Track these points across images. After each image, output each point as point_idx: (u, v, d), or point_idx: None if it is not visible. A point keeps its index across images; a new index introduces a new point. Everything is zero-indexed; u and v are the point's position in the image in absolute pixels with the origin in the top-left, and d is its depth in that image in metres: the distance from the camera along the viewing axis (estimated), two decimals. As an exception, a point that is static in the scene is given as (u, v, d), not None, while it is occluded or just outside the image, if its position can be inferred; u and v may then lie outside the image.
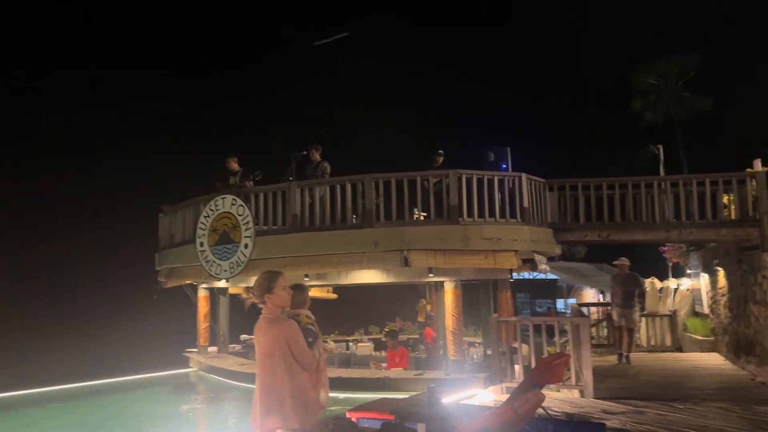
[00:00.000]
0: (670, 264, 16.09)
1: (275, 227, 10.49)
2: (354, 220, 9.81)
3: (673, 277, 15.39)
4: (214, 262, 10.71)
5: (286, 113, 26.22)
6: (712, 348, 11.72)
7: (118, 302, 17.74)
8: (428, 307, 13.94)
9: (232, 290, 12.42)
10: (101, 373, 11.81)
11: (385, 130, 27.49)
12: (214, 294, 12.81)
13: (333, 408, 7.97)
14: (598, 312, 13.97)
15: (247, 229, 10.33)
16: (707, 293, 12.44)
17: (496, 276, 10.78)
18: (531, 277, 22.48)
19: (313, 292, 11.10)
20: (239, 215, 10.45)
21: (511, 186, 9.98)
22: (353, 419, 6.09)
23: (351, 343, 14.22)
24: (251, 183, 11.30)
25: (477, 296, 12.49)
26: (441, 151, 11.18)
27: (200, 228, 10.97)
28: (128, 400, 10.88)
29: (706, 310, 12.44)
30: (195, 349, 12.81)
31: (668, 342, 12.98)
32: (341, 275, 10.44)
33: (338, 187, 9.81)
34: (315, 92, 28.02)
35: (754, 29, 27.21)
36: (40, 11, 24.12)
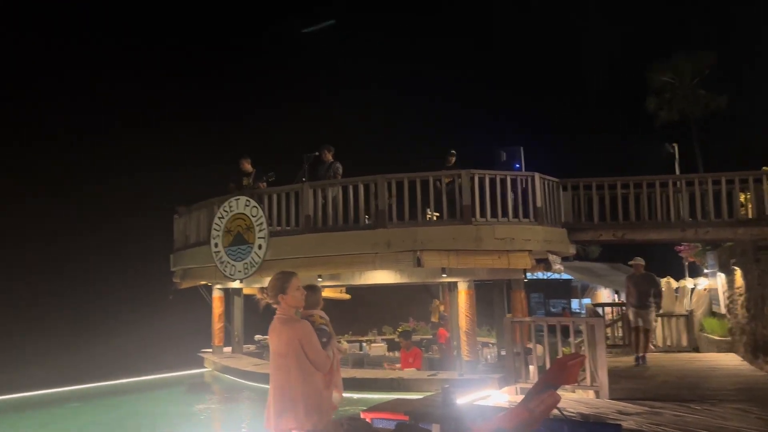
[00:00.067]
0: (686, 263, 15.95)
1: (288, 228, 10.52)
2: (367, 221, 9.82)
3: (689, 276, 15.24)
4: (228, 263, 10.76)
5: (286, 113, 26.29)
6: (729, 348, 11.59)
7: (134, 303, 17.89)
8: (441, 308, 13.93)
9: (246, 291, 12.48)
10: (118, 373, 11.92)
11: (386, 131, 27.51)
12: (229, 295, 12.89)
13: (346, 408, 7.99)
14: (612, 312, 13.86)
15: (260, 230, 10.38)
16: (724, 293, 12.30)
17: (509, 276, 10.73)
18: (545, 277, 22.41)
19: (327, 293, 11.16)
20: (253, 216, 10.50)
21: (524, 186, 9.94)
22: (367, 419, 6.09)
23: (364, 344, 14.23)
24: (265, 184, 11.34)
25: (490, 296, 12.45)
26: (453, 151, 11.17)
27: (214, 229, 11.03)
28: (144, 400, 10.98)
29: (723, 310, 12.31)
30: (210, 350, 12.89)
31: (684, 342, 12.86)
32: (354, 276, 10.45)
33: (351, 188, 9.83)
34: (317, 92, 28.07)
35: (769, 25, 26.87)
36: (50, 14, 24.38)
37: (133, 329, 16.40)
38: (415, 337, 12.93)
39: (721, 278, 12.44)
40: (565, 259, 12.03)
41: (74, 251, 19.64)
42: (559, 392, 5.26)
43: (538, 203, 9.93)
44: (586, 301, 26.11)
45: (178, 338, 14.83)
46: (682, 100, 25.23)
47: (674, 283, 13.83)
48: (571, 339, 8.32)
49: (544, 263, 10.29)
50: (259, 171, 11.67)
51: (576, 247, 11.58)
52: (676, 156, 17.56)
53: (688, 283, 14.19)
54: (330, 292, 13.30)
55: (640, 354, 10.52)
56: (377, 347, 13.27)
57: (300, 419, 3.77)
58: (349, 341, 14.44)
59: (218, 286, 12.74)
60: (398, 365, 10.92)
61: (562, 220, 10.67)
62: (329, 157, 11.12)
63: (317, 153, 11.11)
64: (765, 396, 7.53)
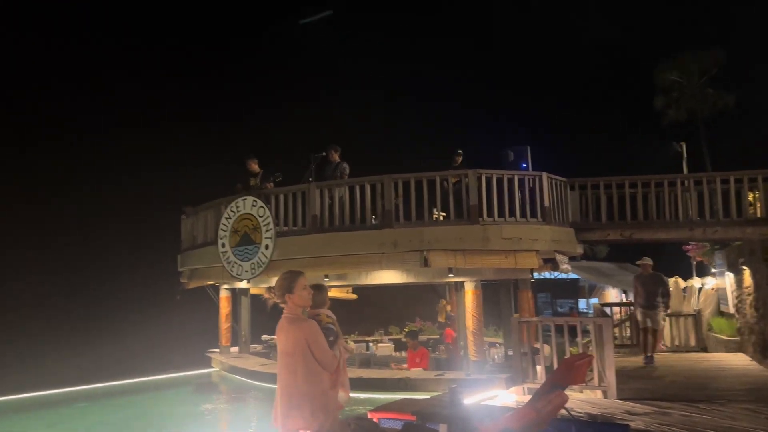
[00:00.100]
0: (695, 263, 15.86)
1: (295, 228, 10.54)
2: (373, 221, 9.82)
3: (697, 276, 15.16)
4: (235, 263, 10.79)
5: (286, 113, 26.36)
6: (738, 348, 11.52)
7: (141, 303, 17.97)
8: (448, 308, 13.90)
9: (253, 291, 12.51)
10: (125, 373, 11.98)
11: (386, 131, 27.52)
12: (236, 295, 12.92)
13: (353, 408, 8.00)
14: (620, 312, 13.81)
15: (267, 230, 10.40)
16: (732, 292, 12.22)
17: (516, 276, 10.71)
18: (552, 277, 22.32)
19: (333, 293, 11.15)
20: (260, 216, 10.52)
21: (531, 185, 9.91)
22: (375, 419, 6.09)
23: (371, 344, 14.24)
24: (272, 184, 11.36)
25: (497, 296, 12.43)
26: (460, 151, 11.16)
27: (222, 229, 11.06)
28: (152, 399, 11.02)
29: (732, 310, 12.23)
30: (217, 350, 12.92)
31: (693, 342, 12.79)
32: (361, 276, 10.45)
33: (357, 188, 9.83)
34: (317, 92, 28.09)
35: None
36: (51, 14, 24.50)
37: (141, 329, 16.47)
38: (422, 337, 12.91)
39: (729, 278, 12.37)
40: (572, 258, 11.99)
41: (82, 252, 19.77)
42: (567, 392, 5.25)
43: (546, 203, 9.90)
44: (594, 301, 26.01)
45: (186, 338, 14.89)
46: (690, 98, 25.12)
47: (682, 283, 13.76)
48: (579, 339, 8.28)
49: (552, 263, 10.26)
50: (266, 171, 11.69)
51: (583, 246, 11.55)
52: (684, 155, 17.47)
53: (696, 282, 14.11)
54: (336, 292, 13.31)
55: (649, 354, 10.48)
56: (384, 347, 13.27)
57: (306, 419, 3.78)
58: (355, 341, 14.45)
59: (225, 286, 12.77)
60: (405, 365, 10.91)
61: (569, 219, 10.63)
62: (336, 157, 11.13)
63: (324, 153, 11.12)
64: (774, 396, 7.48)
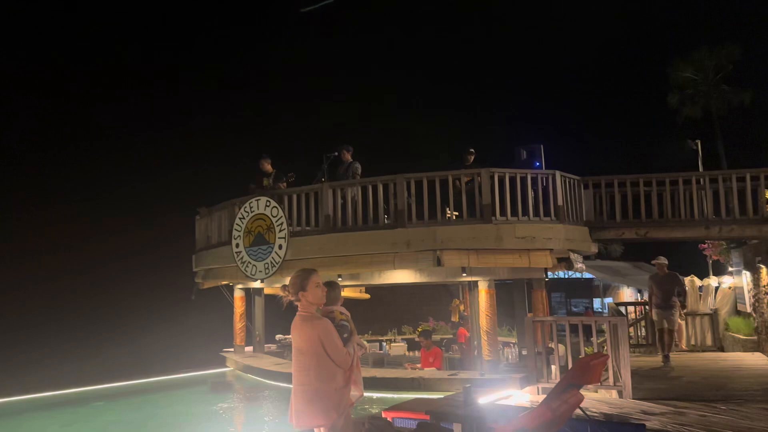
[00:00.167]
0: (711, 261, 15.71)
1: (308, 228, 10.57)
2: (386, 221, 9.82)
3: (713, 274, 15.01)
4: (249, 263, 10.85)
5: (299, 114, 26.45)
6: (755, 347, 11.39)
7: (157, 304, 18.13)
8: (461, 307, 13.89)
9: (267, 291, 12.57)
10: (141, 372, 12.09)
11: (400, 131, 27.50)
12: (250, 294, 12.99)
13: (365, 406, 8.01)
14: (635, 312, 13.71)
15: (281, 230, 10.44)
16: (749, 291, 12.09)
17: (530, 275, 10.67)
18: (566, 276, 22.19)
19: (346, 293, 11.19)
20: (273, 216, 10.57)
21: (544, 184, 9.87)
22: (389, 419, 6.10)
23: (384, 343, 14.25)
24: (284, 184, 11.40)
25: (511, 296, 12.38)
26: (472, 150, 11.11)
27: (236, 230, 11.12)
28: (167, 399, 11.11)
29: (749, 309, 12.10)
30: (231, 349, 13.00)
31: (709, 341, 12.67)
32: (374, 275, 10.46)
33: (370, 188, 9.84)
34: (330, 94, 28.17)
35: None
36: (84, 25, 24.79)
37: (157, 329, 16.62)
38: (435, 337, 12.91)
39: (746, 276, 12.24)
40: (586, 257, 11.92)
41: (98, 254, 20.00)
42: (582, 392, 5.22)
43: (559, 201, 9.86)
44: (608, 300, 25.83)
45: (201, 338, 15.00)
46: (705, 95, 24.86)
47: (698, 282, 13.64)
48: (594, 338, 8.22)
49: (566, 262, 10.20)
50: (279, 171, 11.73)
51: (598, 245, 11.47)
52: (700, 152, 17.31)
53: (713, 281, 13.98)
54: (350, 291, 13.33)
55: (666, 354, 10.38)
56: (397, 347, 13.27)
57: (319, 416, 3.81)
58: (369, 341, 14.47)
59: (239, 286, 12.84)
60: (419, 365, 10.91)
61: (583, 218, 10.57)
62: (348, 157, 11.15)
63: (336, 153, 11.14)
64: (793, 396, 7.39)
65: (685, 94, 25.31)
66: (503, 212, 9.47)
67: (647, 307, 11.59)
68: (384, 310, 16.44)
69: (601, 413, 6.57)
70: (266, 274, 10.57)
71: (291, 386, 3.98)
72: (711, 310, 13.03)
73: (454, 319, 14.62)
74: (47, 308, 17.87)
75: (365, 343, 13.32)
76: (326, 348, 3.81)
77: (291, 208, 10.58)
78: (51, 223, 19.82)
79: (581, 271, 12.58)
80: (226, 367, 12.91)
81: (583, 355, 7.67)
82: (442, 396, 7.48)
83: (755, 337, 11.56)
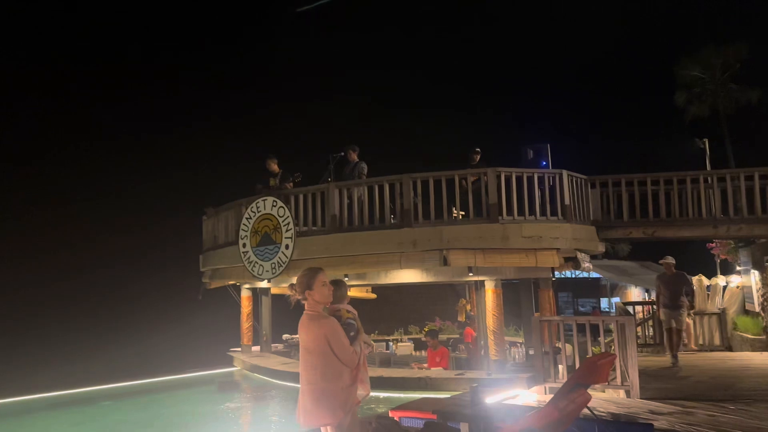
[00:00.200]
0: (719, 261, 15.63)
1: (315, 228, 10.59)
2: (392, 220, 9.82)
3: (721, 274, 14.94)
4: (256, 262, 10.87)
5: (306, 114, 26.46)
6: (764, 347, 11.33)
7: (164, 303, 18.20)
8: (468, 307, 13.86)
9: (274, 290, 12.60)
10: (149, 372, 12.14)
11: (404, 132, 27.48)
12: (257, 294, 13.02)
13: (371, 406, 8.02)
14: (643, 311, 13.66)
15: (287, 230, 10.46)
16: (758, 290, 12.03)
17: (537, 275, 10.65)
18: (573, 276, 22.13)
19: (353, 292, 11.20)
20: (280, 216, 10.59)
21: (551, 183, 9.84)
22: (396, 418, 6.10)
23: (391, 343, 14.25)
24: (291, 184, 11.42)
25: (518, 296, 12.36)
26: (478, 149, 11.09)
27: (242, 230, 11.15)
28: (175, 398, 11.14)
29: (757, 308, 12.04)
30: (239, 349, 13.04)
31: (717, 341, 12.61)
32: (380, 275, 10.47)
33: (376, 188, 9.85)
34: (332, 94, 28.16)
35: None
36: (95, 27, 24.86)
37: (164, 329, 16.68)
38: (442, 337, 12.89)
39: (754, 275, 12.18)
40: (594, 257, 11.89)
41: (106, 254, 20.12)
42: (589, 392, 5.21)
43: (566, 201, 9.83)
44: (616, 300, 25.75)
45: (208, 337, 15.05)
46: (713, 94, 24.72)
47: (706, 281, 13.58)
48: (601, 338, 8.21)
49: (573, 261, 10.18)
50: (285, 171, 11.75)
51: (605, 245, 11.44)
52: (707, 151, 17.22)
53: (721, 280, 13.92)
54: (356, 291, 13.34)
55: (675, 354, 10.33)
56: (404, 346, 13.27)
57: (325, 415, 3.83)
58: (375, 340, 14.47)
59: (246, 285, 12.87)
60: (425, 364, 10.90)
61: (590, 217, 10.54)
62: (354, 157, 11.15)
63: (342, 153, 11.15)
64: (802, 396, 7.34)
65: (692, 93, 25.18)
66: (510, 212, 9.46)
67: (655, 306, 11.55)
68: (390, 310, 16.45)
69: (609, 413, 6.55)
70: (273, 273, 10.60)
71: (298, 386, 3.99)
72: (719, 309, 12.97)
73: (461, 318, 14.59)
74: (56, 309, 17.97)
75: (372, 341, 13.35)
76: (333, 347, 3.82)
77: (297, 208, 10.60)
78: (56, 223, 19.95)
79: (588, 271, 12.55)
80: (234, 366, 12.95)
81: (590, 354, 7.65)
82: (449, 395, 7.47)
83: (764, 337, 11.50)
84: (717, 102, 24.64)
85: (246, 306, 13.00)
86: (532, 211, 9.58)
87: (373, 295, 14.83)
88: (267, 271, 10.68)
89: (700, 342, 12.68)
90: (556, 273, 10.73)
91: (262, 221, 10.85)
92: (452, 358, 11.25)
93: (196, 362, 13.11)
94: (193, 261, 13.82)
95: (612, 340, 8.45)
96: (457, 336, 13.86)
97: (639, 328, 12.49)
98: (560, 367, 8.26)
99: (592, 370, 5.04)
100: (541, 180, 9.79)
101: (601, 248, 11.02)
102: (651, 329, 12.81)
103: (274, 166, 11.85)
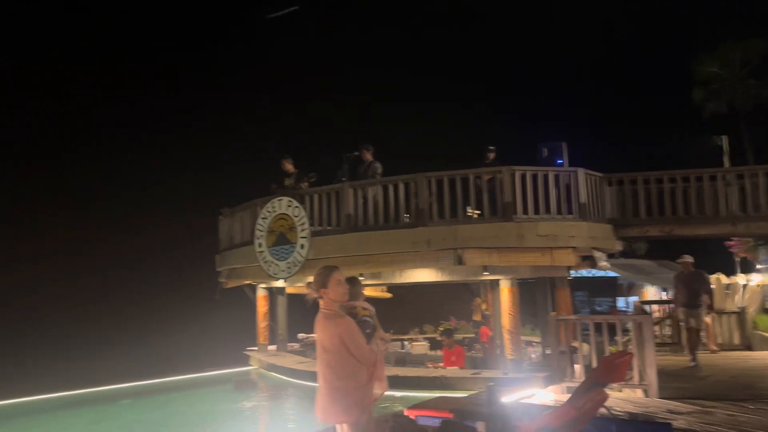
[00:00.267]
0: (738, 259, 15.46)
1: (330, 227, 10.62)
2: (407, 220, 9.83)
3: (741, 272, 14.77)
4: (272, 262, 10.93)
5: (317, 114, 26.42)
6: (785, 347, 11.19)
7: (181, 303, 18.32)
8: (483, 306, 13.83)
9: (289, 290, 12.66)
10: (166, 371, 12.24)
11: (419, 131, 27.37)
12: (273, 294, 13.09)
13: (386, 405, 8.02)
14: (660, 310, 13.55)
15: (303, 230, 10.50)
16: (778, 289, 11.89)
17: (553, 274, 10.59)
18: (589, 275, 21.97)
19: (368, 292, 11.21)
20: (295, 216, 10.64)
21: (567, 181, 9.79)
22: (412, 417, 6.10)
23: (406, 342, 14.25)
24: (306, 184, 11.46)
25: (534, 295, 12.30)
26: (492, 147, 11.06)
27: (258, 229, 11.22)
28: (192, 397, 11.24)
29: (778, 307, 11.90)
30: (255, 348, 13.12)
31: (736, 340, 12.46)
32: (395, 274, 10.48)
33: (391, 187, 9.86)
34: (345, 97, 28.11)
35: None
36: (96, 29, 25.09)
37: (182, 328, 16.80)
38: (457, 336, 12.87)
39: (775, 274, 12.04)
40: (611, 256, 11.80)
41: (123, 253, 20.28)
42: (606, 391, 5.18)
43: (582, 199, 9.77)
44: (633, 299, 25.53)
45: (225, 337, 15.13)
46: (731, 90, 24.40)
47: (725, 280, 13.44)
48: (618, 337, 8.14)
49: (590, 260, 10.11)
50: (300, 172, 11.79)
51: (622, 243, 11.35)
52: (725, 149, 17.02)
53: (740, 279, 13.76)
54: (371, 290, 13.35)
55: (694, 353, 10.21)
56: (419, 346, 13.27)
57: (341, 413, 3.85)
58: (391, 340, 14.45)
59: (262, 285, 12.95)
60: (441, 364, 10.89)
61: (607, 216, 10.47)
62: (368, 156, 11.16)
63: (357, 152, 11.17)
64: (824, 396, 7.24)
65: (710, 89, 24.87)
66: (525, 210, 9.42)
67: (672, 305, 11.44)
68: (406, 309, 16.43)
69: (626, 412, 6.51)
70: (289, 273, 10.65)
71: (315, 384, 4.01)
72: (738, 308, 12.81)
73: (476, 318, 14.54)
74: (75, 309, 18.17)
75: (389, 337, 13.35)
76: (349, 346, 3.82)
77: (312, 207, 10.64)
78: (72, 224, 20.13)
79: (605, 270, 12.47)
80: (250, 365, 13.03)
81: (607, 354, 7.59)
82: (465, 394, 7.46)
83: (784, 336, 11.35)
84: (735, 98, 24.32)
85: (262, 305, 13.07)
86: (547, 210, 9.54)
87: (389, 295, 14.84)
88: (282, 270, 10.73)
89: (719, 341, 12.54)
90: (573, 272, 10.67)
91: (278, 221, 10.90)
92: (468, 358, 11.22)
93: (213, 361, 13.20)
94: (209, 261, 13.93)
95: (629, 340, 8.40)
96: (473, 335, 13.82)
97: (656, 328, 12.39)
98: (577, 366, 8.22)
99: (610, 369, 5.01)
100: (556, 178, 9.74)
101: (618, 246, 10.93)
102: (668, 328, 12.70)
103: (289, 167, 11.90)
